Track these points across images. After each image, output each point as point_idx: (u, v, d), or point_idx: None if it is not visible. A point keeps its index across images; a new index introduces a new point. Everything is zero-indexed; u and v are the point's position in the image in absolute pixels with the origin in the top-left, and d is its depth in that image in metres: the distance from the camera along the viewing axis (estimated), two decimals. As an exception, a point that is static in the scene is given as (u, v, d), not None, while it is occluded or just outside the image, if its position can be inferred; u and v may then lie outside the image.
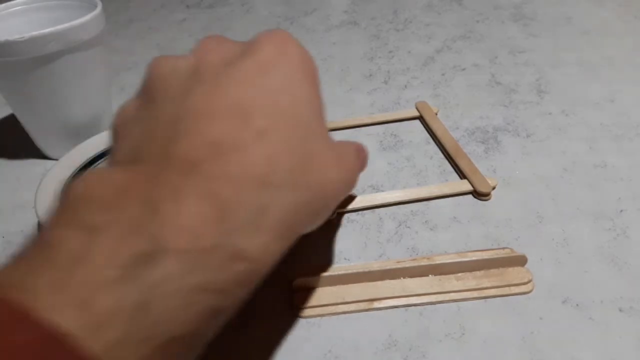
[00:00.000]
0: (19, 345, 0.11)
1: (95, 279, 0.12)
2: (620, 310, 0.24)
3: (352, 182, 0.22)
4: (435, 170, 0.34)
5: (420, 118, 0.40)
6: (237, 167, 0.16)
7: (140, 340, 0.12)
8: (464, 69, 0.47)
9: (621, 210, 0.30)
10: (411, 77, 0.46)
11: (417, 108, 0.40)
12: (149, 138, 0.17)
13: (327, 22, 0.59)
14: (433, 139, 0.37)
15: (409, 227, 0.30)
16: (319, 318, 0.25)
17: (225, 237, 0.15)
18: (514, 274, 0.26)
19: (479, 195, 0.31)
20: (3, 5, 0.37)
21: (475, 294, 0.25)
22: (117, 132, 0.19)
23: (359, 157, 0.24)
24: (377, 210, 0.31)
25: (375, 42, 0.53)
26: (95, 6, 0.35)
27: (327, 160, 0.19)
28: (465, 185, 0.32)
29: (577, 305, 0.25)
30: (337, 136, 0.38)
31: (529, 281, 0.26)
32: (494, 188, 0.32)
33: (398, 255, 0.28)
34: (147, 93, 0.19)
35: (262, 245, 0.15)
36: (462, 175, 0.33)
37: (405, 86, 0.45)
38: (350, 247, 0.29)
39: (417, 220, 0.30)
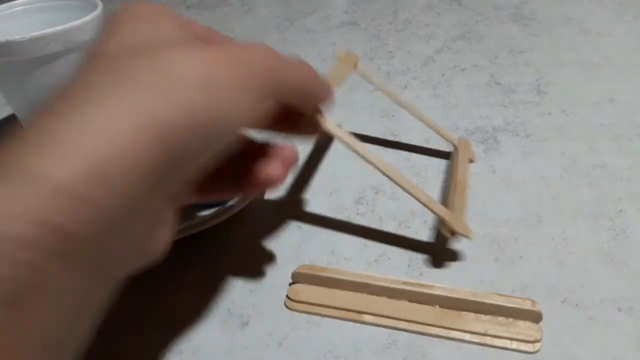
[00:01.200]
0: None
1: None
2: (620, 310, 0.24)
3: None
4: (435, 170, 0.34)
5: (453, 152, 0.34)
6: None
7: None
8: (463, 69, 0.47)
9: (621, 210, 0.30)
10: (411, 77, 0.46)
11: (455, 144, 0.34)
12: None
13: (327, 22, 0.59)
14: (450, 177, 0.32)
15: (409, 227, 0.30)
16: (318, 318, 0.25)
17: None
18: (524, 328, 0.24)
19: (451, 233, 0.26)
20: (3, 5, 0.37)
21: (476, 338, 0.24)
22: None
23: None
24: (377, 209, 0.31)
25: (375, 42, 0.53)
26: (96, 7, 0.35)
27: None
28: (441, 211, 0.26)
29: (577, 305, 0.25)
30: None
31: (537, 341, 0.23)
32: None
33: (398, 255, 0.28)
34: None
35: None
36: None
37: (405, 86, 0.45)
38: (350, 247, 0.29)
39: (417, 220, 0.30)
